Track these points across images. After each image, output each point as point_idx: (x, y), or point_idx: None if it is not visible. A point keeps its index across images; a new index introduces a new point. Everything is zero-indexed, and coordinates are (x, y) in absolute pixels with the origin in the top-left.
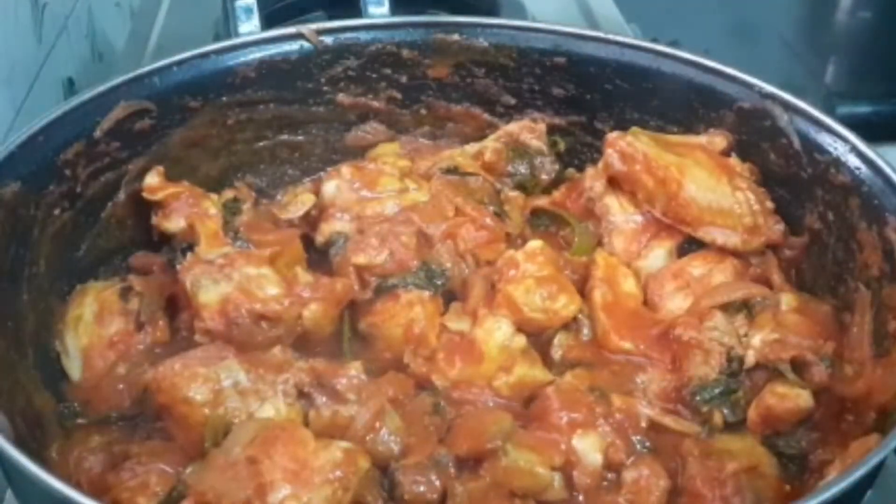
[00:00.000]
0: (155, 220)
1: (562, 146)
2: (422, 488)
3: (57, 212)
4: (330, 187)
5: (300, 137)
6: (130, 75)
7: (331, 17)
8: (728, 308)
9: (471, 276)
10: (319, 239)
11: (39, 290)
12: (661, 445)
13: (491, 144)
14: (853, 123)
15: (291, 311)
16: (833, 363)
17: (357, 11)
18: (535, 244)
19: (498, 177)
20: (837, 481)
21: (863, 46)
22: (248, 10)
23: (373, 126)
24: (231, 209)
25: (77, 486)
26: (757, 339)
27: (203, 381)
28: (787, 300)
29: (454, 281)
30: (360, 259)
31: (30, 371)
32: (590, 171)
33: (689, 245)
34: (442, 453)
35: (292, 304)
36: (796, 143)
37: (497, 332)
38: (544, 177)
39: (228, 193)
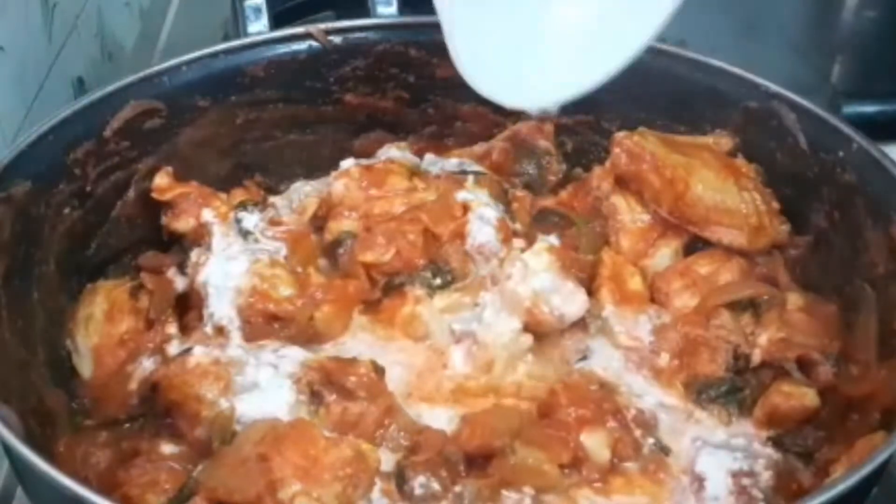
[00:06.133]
0: (164, 220)
1: (569, 146)
2: (431, 485)
3: (67, 210)
4: (338, 186)
5: (309, 137)
6: (140, 75)
7: (339, 17)
8: (734, 307)
9: (478, 276)
10: (327, 237)
11: (49, 289)
12: None
13: (499, 144)
14: (859, 123)
15: (304, 313)
16: (838, 362)
17: (366, 11)
18: (541, 244)
19: (506, 176)
20: (843, 479)
21: (869, 46)
22: (257, 10)
23: (380, 133)
24: (241, 208)
25: (85, 481)
26: (763, 338)
27: (214, 379)
28: (793, 299)
29: (461, 280)
30: (368, 257)
31: (40, 369)
32: (597, 170)
33: (696, 244)
34: (451, 451)
35: (305, 306)
36: (802, 143)
37: (504, 332)
38: (552, 177)
39: (238, 193)
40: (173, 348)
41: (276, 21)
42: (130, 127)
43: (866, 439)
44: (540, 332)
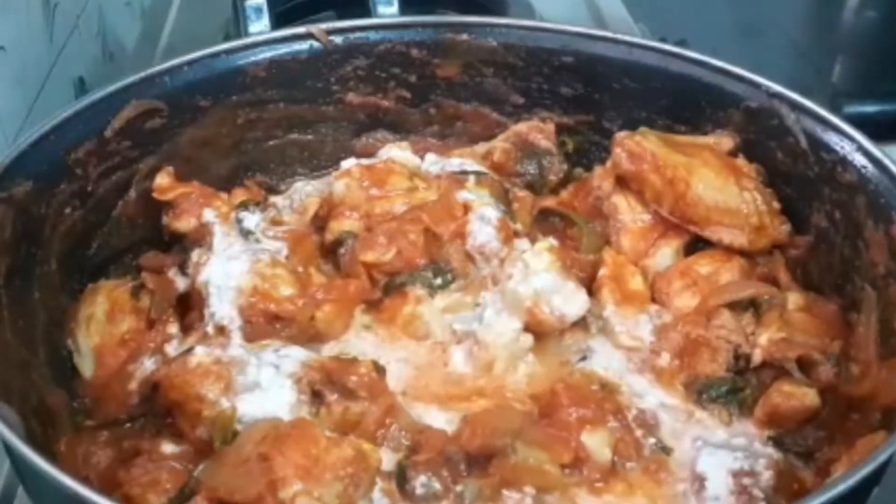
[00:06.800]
0: (165, 220)
1: (570, 146)
2: (432, 485)
3: (68, 210)
4: (340, 186)
5: (310, 136)
6: (141, 75)
7: (340, 17)
8: (735, 306)
9: (479, 276)
10: (329, 237)
11: (51, 289)
12: None
13: (500, 144)
14: (860, 122)
15: (305, 312)
16: (839, 362)
17: (367, 11)
18: (542, 244)
19: (507, 177)
20: (844, 478)
21: (869, 45)
22: (259, 10)
23: (382, 134)
24: (242, 208)
25: (85, 480)
26: (764, 338)
27: (215, 379)
28: (794, 299)
29: (462, 280)
30: (369, 257)
31: (41, 369)
32: (598, 170)
33: (697, 244)
34: (452, 450)
35: (306, 305)
36: (803, 142)
37: (505, 331)
38: (553, 177)
39: (239, 193)
40: (174, 348)
41: (277, 21)
42: (131, 127)
43: (867, 439)
44: (541, 332)
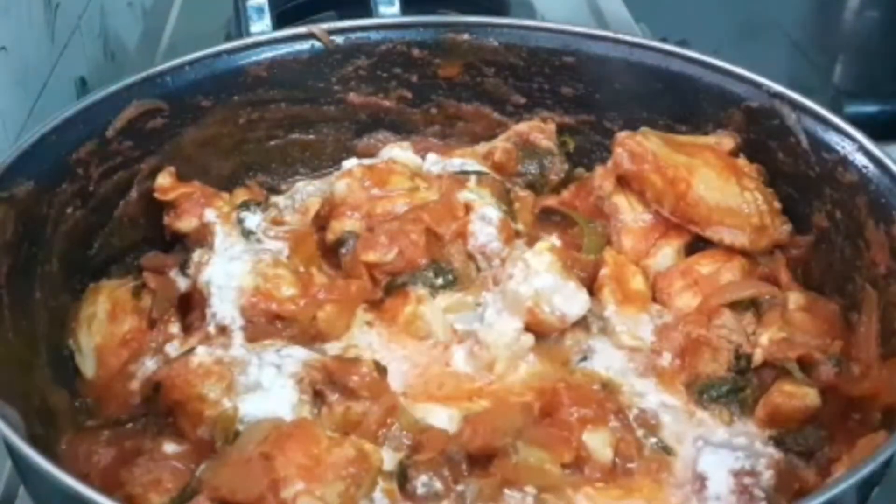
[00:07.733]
0: (167, 220)
1: (571, 146)
2: (433, 484)
3: (69, 210)
4: (341, 186)
5: (311, 136)
6: (143, 75)
7: (342, 17)
8: (736, 306)
9: (480, 276)
10: (330, 237)
11: (52, 289)
12: None
13: (501, 144)
14: (861, 122)
15: (307, 312)
16: (840, 362)
17: (368, 11)
18: (543, 244)
19: (508, 176)
20: (845, 478)
21: (870, 46)
22: (260, 10)
23: (384, 134)
24: (244, 208)
25: (87, 479)
26: (765, 338)
27: (217, 379)
28: (795, 299)
29: (463, 280)
30: (370, 257)
31: (43, 369)
32: (599, 170)
33: (698, 244)
34: (453, 450)
35: (307, 305)
36: (804, 142)
37: (506, 331)
38: (554, 177)
39: (241, 193)
40: (175, 348)
41: (279, 21)
42: (133, 127)
43: (868, 439)
44: (541, 332)
